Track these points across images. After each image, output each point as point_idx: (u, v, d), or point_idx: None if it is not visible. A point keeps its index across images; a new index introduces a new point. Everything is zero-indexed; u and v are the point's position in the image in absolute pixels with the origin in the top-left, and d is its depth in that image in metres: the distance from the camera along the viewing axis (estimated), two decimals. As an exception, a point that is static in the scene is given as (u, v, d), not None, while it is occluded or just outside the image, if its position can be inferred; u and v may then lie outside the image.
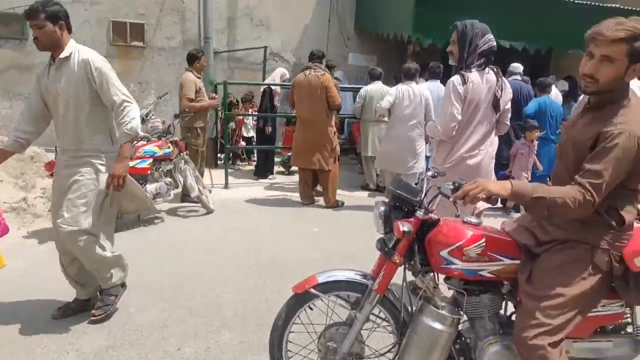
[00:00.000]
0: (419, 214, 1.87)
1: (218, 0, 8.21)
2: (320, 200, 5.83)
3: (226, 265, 3.82)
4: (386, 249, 1.93)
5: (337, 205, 5.76)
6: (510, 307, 1.99)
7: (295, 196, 6.05)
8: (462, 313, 1.91)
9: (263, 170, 7.21)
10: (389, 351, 2.09)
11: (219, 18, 8.35)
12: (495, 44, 2.99)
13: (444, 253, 1.84)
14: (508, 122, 3.19)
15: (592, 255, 1.73)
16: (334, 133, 5.65)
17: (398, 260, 1.89)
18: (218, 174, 6.62)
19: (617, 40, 1.60)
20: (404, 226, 1.82)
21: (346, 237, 4.62)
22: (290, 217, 5.35)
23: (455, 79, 2.98)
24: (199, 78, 5.84)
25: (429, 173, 2.11)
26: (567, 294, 1.71)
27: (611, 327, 1.97)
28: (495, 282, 1.91)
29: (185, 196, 5.57)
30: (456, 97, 2.96)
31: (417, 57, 8.76)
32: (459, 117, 2.97)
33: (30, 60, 7.49)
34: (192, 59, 5.77)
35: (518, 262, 1.85)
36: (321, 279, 2.02)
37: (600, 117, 1.70)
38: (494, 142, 3.13)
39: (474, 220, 1.91)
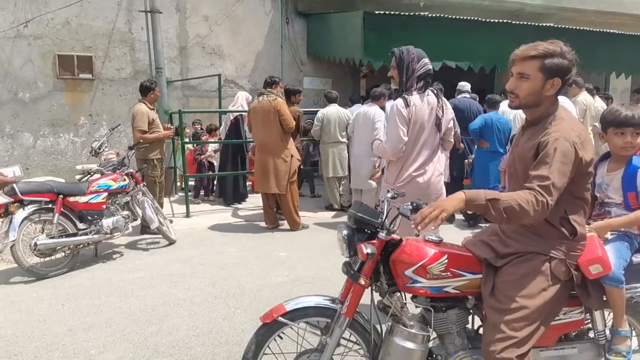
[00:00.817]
0: (382, 235, 1.90)
1: (168, 30, 8.17)
2: (285, 224, 5.81)
3: (192, 297, 3.72)
4: (352, 272, 1.94)
5: (301, 227, 5.75)
6: (477, 321, 2.03)
7: (260, 221, 6.00)
8: (431, 330, 1.94)
9: (237, 197, 7.14)
10: None
11: (169, 47, 8.30)
12: (431, 67, 3.12)
13: (408, 272, 1.87)
14: (452, 140, 3.33)
15: (550, 265, 1.80)
16: (291, 156, 5.68)
17: (364, 283, 1.91)
18: (180, 206, 6.48)
19: (527, 58, 1.79)
20: (367, 248, 1.84)
21: (313, 260, 4.60)
22: (256, 242, 5.29)
23: (399, 102, 3.09)
24: (152, 109, 5.76)
25: (389, 194, 2.14)
26: (530, 305, 1.76)
27: (574, 333, 2.04)
28: (460, 297, 1.95)
29: (145, 228, 5.40)
30: (401, 119, 3.06)
31: (371, 79, 9.04)
32: (406, 139, 3.08)
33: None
34: (146, 91, 5.69)
35: (480, 276, 1.89)
36: (289, 306, 2.01)
37: (537, 131, 1.83)
38: (440, 159, 3.25)
39: (435, 237, 1.96)
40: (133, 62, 8.23)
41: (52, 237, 4.24)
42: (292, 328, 2.02)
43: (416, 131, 3.09)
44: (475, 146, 6.17)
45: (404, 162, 3.13)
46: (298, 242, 5.27)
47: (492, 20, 7.89)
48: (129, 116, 5.97)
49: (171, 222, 5.66)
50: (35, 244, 4.16)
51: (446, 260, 1.87)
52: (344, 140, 6.56)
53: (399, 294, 1.96)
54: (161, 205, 5.67)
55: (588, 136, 1.83)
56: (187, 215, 6.32)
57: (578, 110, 6.42)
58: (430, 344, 1.99)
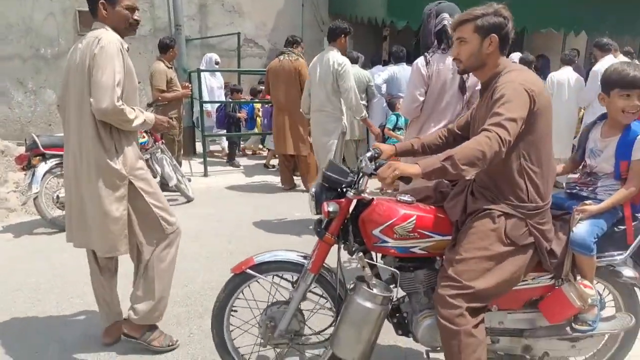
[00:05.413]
0: (349, 194, 1.89)
1: (188, -13, 8.03)
2: (301, 185, 5.83)
3: (208, 253, 3.80)
4: (318, 230, 1.97)
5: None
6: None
7: (276, 181, 6.03)
8: (395, 290, 1.96)
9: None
10: (328, 327, 2.13)
11: (189, 4, 8.19)
12: (446, 22, 2.90)
13: (376, 232, 1.88)
14: None
15: (505, 224, 1.77)
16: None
17: (330, 240, 1.94)
18: (199, 166, 6.54)
19: (461, 22, 1.84)
20: (329, 206, 1.87)
21: (327, 221, 4.63)
22: (272, 202, 5.34)
23: (419, 60, 3.00)
24: (170, 68, 5.73)
25: (368, 154, 2.10)
26: (483, 259, 1.75)
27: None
28: (429, 258, 1.96)
29: (163, 185, 5.47)
30: (418, 78, 2.98)
31: (393, 41, 8.77)
32: (421, 99, 2.99)
33: None
34: (165, 48, 5.65)
35: (449, 238, 1.88)
36: (258, 259, 2.07)
37: (490, 90, 1.81)
38: None
39: (407, 198, 1.95)
40: (153, 19, 8.17)
41: (73, 191, 4.34)
42: (265, 280, 2.07)
43: (437, 92, 2.99)
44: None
45: (423, 123, 3.05)
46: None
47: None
48: (148, 74, 5.96)
49: (189, 180, 5.73)
50: (58, 197, 4.28)
51: (414, 221, 1.87)
52: (363, 102, 6.44)
53: (362, 254, 1.96)
54: (179, 163, 5.74)
55: (539, 81, 1.80)
56: (205, 174, 6.39)
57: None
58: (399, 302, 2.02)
